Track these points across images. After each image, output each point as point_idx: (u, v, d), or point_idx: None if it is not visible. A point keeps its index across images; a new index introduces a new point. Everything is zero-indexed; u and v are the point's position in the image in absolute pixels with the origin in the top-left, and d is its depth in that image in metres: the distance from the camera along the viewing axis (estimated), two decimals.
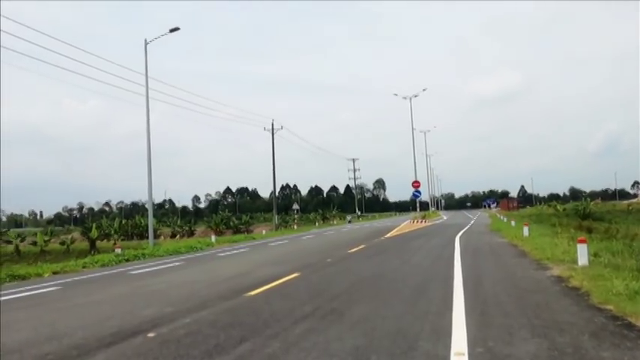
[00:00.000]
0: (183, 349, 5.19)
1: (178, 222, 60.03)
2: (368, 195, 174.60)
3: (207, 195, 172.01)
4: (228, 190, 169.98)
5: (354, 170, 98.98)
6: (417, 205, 58.00)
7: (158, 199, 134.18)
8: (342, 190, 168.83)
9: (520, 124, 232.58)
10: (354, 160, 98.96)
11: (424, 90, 60.25)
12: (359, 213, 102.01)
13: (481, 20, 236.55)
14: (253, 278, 11.14)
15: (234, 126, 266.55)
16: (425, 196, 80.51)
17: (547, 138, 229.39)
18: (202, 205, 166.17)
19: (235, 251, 21.86)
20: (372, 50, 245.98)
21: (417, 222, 46.81)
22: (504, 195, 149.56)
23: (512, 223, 31.65)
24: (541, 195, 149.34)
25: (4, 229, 43.77)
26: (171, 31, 26.69)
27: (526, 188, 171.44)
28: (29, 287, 11.85)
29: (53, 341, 5.82)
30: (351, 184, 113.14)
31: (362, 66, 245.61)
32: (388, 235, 28.81)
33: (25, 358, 5.15)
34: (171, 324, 6.46)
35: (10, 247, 37.07)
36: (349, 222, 70.42)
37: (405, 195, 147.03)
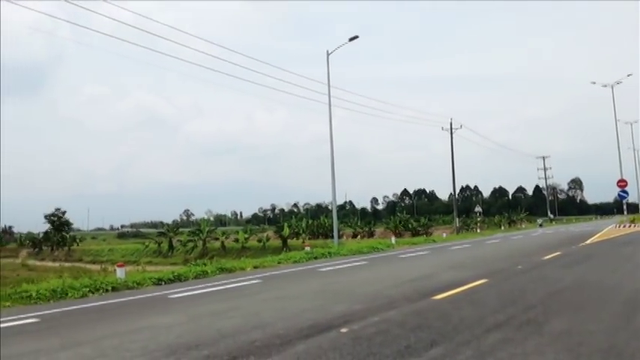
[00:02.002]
0: (374, 347, 5.31)
1: (358, 223, 62.03)
2: (562, 196, 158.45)
3: (385, 197, 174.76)
4: (405, 191, 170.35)
5: (545, 169, 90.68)
6: (624, 207, 50.68)
7: (339, 201, 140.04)
8: (530, 192, 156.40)
9: None
10: (544, 158, 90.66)
11: (629, 75, 52.49)
12: (551, 216, 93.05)
13: None
14: (438, 282, 10.92)
15: (411, 127, 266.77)
16: (633, 197, 69.88)
17: None
18: (380, 207, 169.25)
19: (416, 253, 21.74)
20: (561, 39, 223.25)
21: (624, 226, 40.96)
22: None
23: None
24: None
25: (212, 228, 50.06)
26: (351, 39, 27.77)
27: None
28: (235, 280, 13.36)
29: (258, 330, 6.45)
30: (541, 184, 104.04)
31: (550, 57, 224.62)
32: (589, 241, 25.71)
33: (237, 343, 5.78)
34: (362, 321, 6.66)
35: (217, 244, 42.51)
36: (540, 226, 64.82)
37: (608, 196, 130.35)
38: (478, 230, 52.60)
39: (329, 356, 5.03)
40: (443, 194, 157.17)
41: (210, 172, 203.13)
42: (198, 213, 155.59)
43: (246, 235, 42.94)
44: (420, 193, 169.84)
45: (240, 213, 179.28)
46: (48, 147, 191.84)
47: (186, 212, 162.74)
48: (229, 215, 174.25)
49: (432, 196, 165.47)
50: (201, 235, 43.56)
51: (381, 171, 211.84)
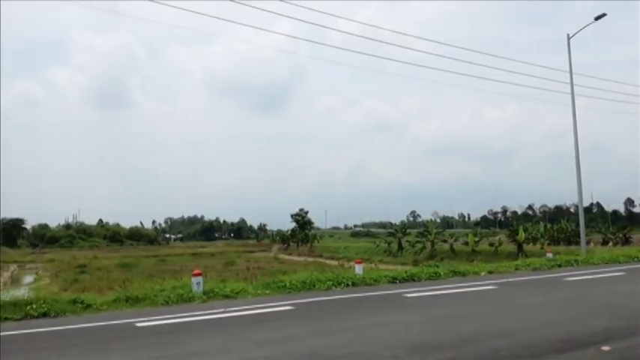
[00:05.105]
0: None
1: (610, 228, 54.07)
2: None
3: None
4: None
5: None
6: None
7: (584, 202, 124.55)
8: None
9: None
10: None
11: None
12: None
13: None
14: None
15: None
16: None
17: None
18: (638, 210, 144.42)
19: None
20: None
21: None
22: None
23: None
24: None
25: (439, 230, 49.67)
26: (597, 18, 24.36)
27: None
28: (468, 284, 12.92)
29: (502, 338, 6.07)
30: None
31: None
32: None
33: (479, 349, 5.54)
34: (627, 340, 5.73)
35: (446, 246, 41.97)
36: None
37: None
38: None
39: None
40: None
41: (435, 173, 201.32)
42: (424, 214, 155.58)
43: (476, 239, 41.26)
44: None
45: (468, 215, 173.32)
46: (294, 155, 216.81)
47: (413, 213, 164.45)
48: (456, 217, 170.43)
49: None
50: (429, 236, 43.57)
51: (638, 167, 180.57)
